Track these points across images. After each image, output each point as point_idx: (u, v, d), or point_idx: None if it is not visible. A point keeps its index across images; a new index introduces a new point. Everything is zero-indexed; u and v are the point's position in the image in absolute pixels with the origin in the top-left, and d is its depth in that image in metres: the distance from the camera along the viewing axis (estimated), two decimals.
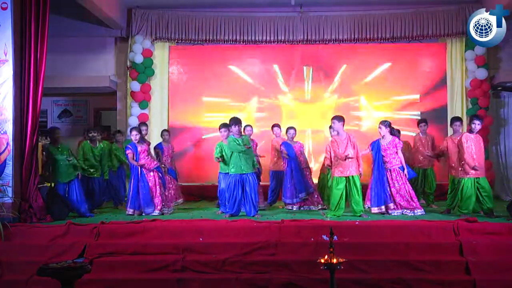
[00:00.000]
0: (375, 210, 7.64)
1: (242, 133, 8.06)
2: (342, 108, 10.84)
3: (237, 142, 7.63)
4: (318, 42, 10.81)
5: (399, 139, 8.00)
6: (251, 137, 8.85)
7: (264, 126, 10.78)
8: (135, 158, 7.92)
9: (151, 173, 7.99)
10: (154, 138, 10.23)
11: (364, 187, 7.87)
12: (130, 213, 7.91)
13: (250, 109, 11.27)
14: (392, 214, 7.56)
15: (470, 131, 7.56)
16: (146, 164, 7.94)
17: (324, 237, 6.10)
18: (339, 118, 7.69)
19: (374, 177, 7.74)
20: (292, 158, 8.46)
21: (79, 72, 10.68)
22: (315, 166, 10.44)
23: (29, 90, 7.19)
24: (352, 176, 7.49)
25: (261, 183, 8.74)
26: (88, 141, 8.67)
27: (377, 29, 10.53)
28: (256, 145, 9.04)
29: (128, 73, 10.75)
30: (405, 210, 7.60)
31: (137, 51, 10.66)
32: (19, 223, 6.92)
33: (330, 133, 8.58)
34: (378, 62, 11.18)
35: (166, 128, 10.54)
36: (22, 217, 7.04)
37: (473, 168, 7.33)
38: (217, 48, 11.17)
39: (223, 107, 11.13)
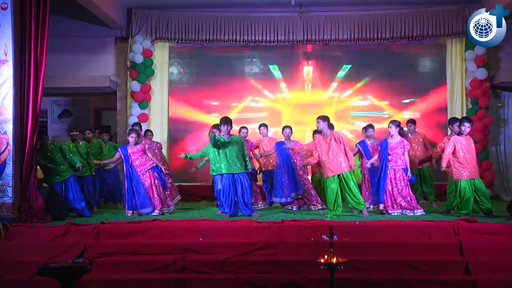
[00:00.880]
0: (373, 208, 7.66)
1: (237, 134, 7.96)
2: (342, 108, 10.84)
3: (221, 139, 7.47)
4: (318, 42, 10.79)
5: (407, 141, 7.96)
6: (247, 138, 8.76)
7: None
8: (124, 161, 7.90)
9: (147, 173, 7.95)
10: (154, 138, 10.19)
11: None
12: (129, 214, 7.90)
13: (250, 109, 11.27)
14: (392, 214, 7.55)
15: (459, 133, 7.55)
16: (139, 165, 7.88)
17: (324, 237, 6.09)
18: (324, 118, 7.61)
19: (378, 175, 7.73)
20: (285, 158, 8.31)
21: (79, 72, 10.67)
22: None
23: (29, 90, 7.17)
24: (344, 173, 7.43)
25: (258, 183, 8.71)
26: (71, 141, 8.57)
27: (377, 29, 10.50)
28: (252, 146, 8.80)
29: (128, 73, 10.74)
30: (405, 210, 7.59)
31: (137, 51, 10.65)
32: (19, 223, 6.91)
33: (313, 138, 8.45)
34: (378, 62, 11.18)
35: (165, 128, 10.54)
36: (22, 217, 7.03)
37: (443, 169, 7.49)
38: (217, 48, 11.17)
39: (223, 107, 11.14)
